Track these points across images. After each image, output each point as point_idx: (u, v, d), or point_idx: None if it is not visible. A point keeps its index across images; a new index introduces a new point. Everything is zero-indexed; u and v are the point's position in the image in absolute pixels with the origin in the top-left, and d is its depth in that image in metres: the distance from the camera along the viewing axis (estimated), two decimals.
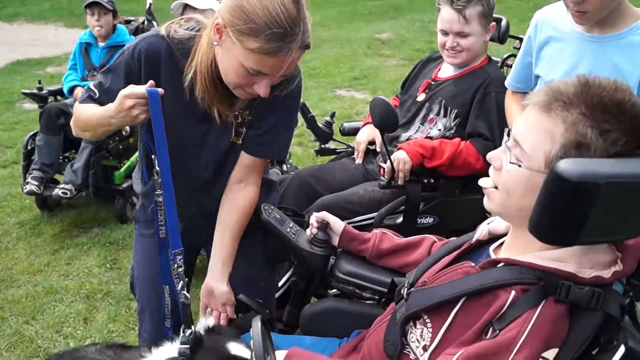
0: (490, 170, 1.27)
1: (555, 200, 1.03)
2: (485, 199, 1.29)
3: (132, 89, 1.56)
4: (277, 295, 2.48)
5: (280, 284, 2.48)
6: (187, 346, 1.49)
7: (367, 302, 1.81)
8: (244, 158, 1.84)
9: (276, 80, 1.59)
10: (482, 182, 1.29)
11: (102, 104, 1.70)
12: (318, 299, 2.17)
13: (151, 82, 1.58)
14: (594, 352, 1.18)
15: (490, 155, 1.27)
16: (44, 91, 4.18)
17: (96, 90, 1.76)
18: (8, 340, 2.86)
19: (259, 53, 1.48)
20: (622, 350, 1.11)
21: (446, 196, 2.47)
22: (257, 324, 1.22)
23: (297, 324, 2.01)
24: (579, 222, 1.03)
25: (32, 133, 4.06)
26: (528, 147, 1.15)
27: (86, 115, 1.74)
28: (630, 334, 1.15)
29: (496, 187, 1.24)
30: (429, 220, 2.47)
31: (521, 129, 1.18)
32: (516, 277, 1.18)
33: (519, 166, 1.16)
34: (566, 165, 1.01)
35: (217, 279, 1.86)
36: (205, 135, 1.79)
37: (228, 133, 1.78)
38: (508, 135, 1.23)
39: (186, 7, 3.02)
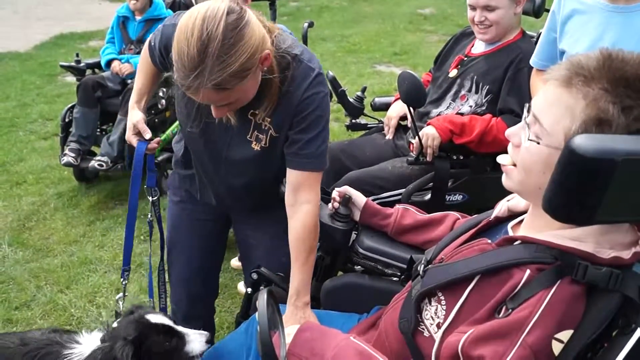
0: (509, 148, 1.23)
1: (570, 178, 0.99)
2: (503, 177, 1.25)
3: (130, 134, 1.97)
4: None
5: None
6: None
7: (389, 278, 1.80)
8: (289, 176, 1.80)
9: (227, 105, 1.60)
10: (501, 159, 1.26)
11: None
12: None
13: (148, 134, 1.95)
14: (613, 334, 1.15)
15: (508, 132, 1.23)
16: (82, 64, 4.22)
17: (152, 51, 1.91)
18: (43, 308, 2.95)
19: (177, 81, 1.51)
20: (638, 333, 1.07)
21: (476, 173, 2.44)
22: (263, 297, 1.20)
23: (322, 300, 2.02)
24: (595, 200, 0.99)
25: (70, 105, 4.12)
26: (547, 124, 1.11)
27: (137, 77, 2.04)
28: None
29: (515, 165, 1.21)
30: (458, 197, 2.44)
31: (541, 105, 1.14)
32: (531, 256, 1.15)
33: (538, 143, 1.12)
34: (582, 141, 0.97)
35: (291, 302, 1.78)
36: (217, 126, 1.79)
37: (245, 132, 1.77)
38: (528, 111, 1.19)
39: None
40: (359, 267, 2.04)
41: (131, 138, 1.99)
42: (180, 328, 1.75)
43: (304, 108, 1.70)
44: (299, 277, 1.76)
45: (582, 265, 1.10)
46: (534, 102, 1.16)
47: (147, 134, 1.96)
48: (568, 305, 1.10)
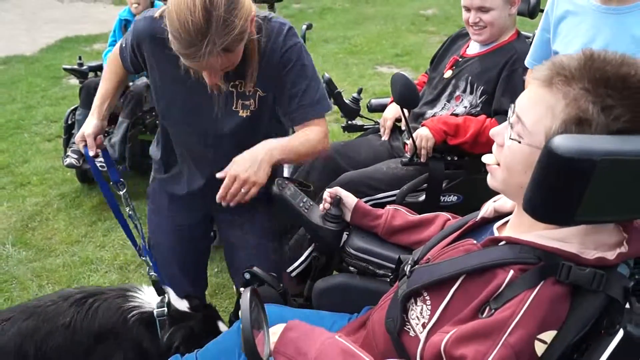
0: (494, 147, 1.24)
1: (550, 178, 1.00)
2: (488, 177, 1.26)
3: (79, 140, 2.00)
4: (298, 270, 2.52)
5: (301, 259, 2.50)
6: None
7: (380, 279, 1.81)
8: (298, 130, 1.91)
9: (223, 69, 1.67)
10: (485, 159, 1.26)
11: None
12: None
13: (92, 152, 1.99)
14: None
15: (492, 132, 1.23)
16: (84, 67, 4.25)
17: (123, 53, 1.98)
18: None
19: (176, 52, 1.59)
20: (620, 334, 1.07)
21: (471, 174, 2.44)
22: (245, 296, 1.20)
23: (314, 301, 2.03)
24: (574, 200, 0.99)
25: (72, 108, 4.15)
26: (529, 123, 1.11)
27: (102, 81, 2.08)
28: (630, 318, 1.10)
29: (498, 164, 1.21)
30: (453, 198, 2.44)
31: (523, 105, 1.15)
32: (515, 257, 1.15)
33: (519, 142, 1.13)
34: (561, 141, 0.97)
35: None
36: (202, 105, 1.84)
37: (229, 104, 1.83)
38: (513, 111, 1.19)
39: None
40: (353, 267, 2.06)
41: (80, 145, 2.03)
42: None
43: (287, 61, 1.79)
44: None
45: (565, 265, 1.10)
46: (518, 102, 1.17)
47: (92, 152, 2.01)
48: (551, 305, 1.10)
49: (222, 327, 1.97)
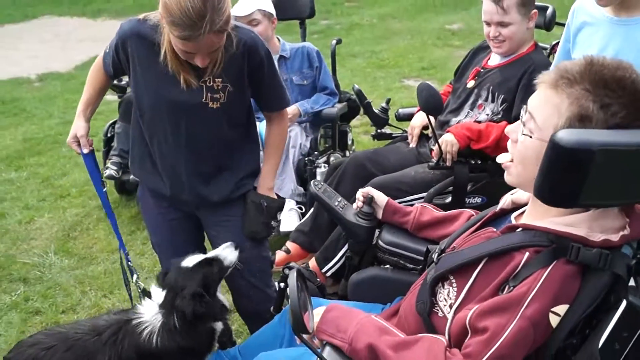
0: (508, 144, 1.39)
1: (555, 166, 1.16)
2: (505, 175, 1.41)
3: (71, 140, 2.29)
4: (333, 270, 2.67)
5: (335, 259, 2.66)
6: None
7: (410, 271, 1.94)
8: (268, 119, 2.31)
9: (209, 53, 1.91)
10: (500, 158, 1.42)
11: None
12: None
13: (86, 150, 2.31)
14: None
15: (508, 129, 1.39)
16: (123, 82, 4.28)
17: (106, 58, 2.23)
18: (87, 312, 3.08)
19: (179, 38, 1.82)
20: (623, 304, 1.22)
21: (494, 177, 2.57)
22: (292, 277, 1.34)
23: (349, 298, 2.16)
24: (577, 186, 1.15)
25: (112, 121, 4.26)
26: (540, 121, 1.27)
27: (85, 88, 2.32)
28: (634, 291, 1.25)
29: (512, 161, 1.37)
30: (477, 200, 2.58)
31: (534, 104, 1.30)
32: (530, 240, 1.30)
33: (531, 137, 1.29)
34: (563, 135, 1.13)
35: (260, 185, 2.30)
36: (179, 99, 2.06)
37: (199, 97, 2.05)
38: (525, 111, 1.35)
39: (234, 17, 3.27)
40: (386, 262, 2.20)
41: (72, 145, 2.31)
42: (211, 253, 2.10)
43: (252, 51, 2.06)
44: (266, 168, 2.30)
45: (575, 247, 1.25)
46: (530, 102, 1.33)
47: (86, 149, 2.31)
48: (563, 282, 1.24)
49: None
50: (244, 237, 2.26)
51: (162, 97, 2.07)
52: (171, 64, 1.98)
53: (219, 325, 2.12)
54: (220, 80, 2.04)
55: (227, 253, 2.09)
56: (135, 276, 2.44)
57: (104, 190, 2.48)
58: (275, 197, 2.32)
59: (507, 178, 1.40)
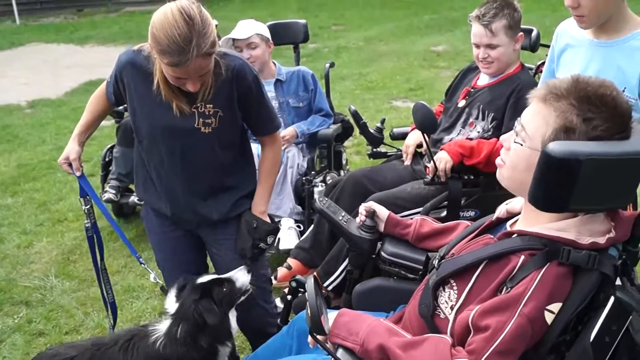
0: (502, 151, 1.52)
1: (547, 174, 1.29)
2: (497, 172, 1.54)
3: (63, 161, 2.37)
4: (334, 284, 2.76)
5: (336, 274, 2.76)
6: None
7: (412, 281, 2.03)
8: (261, 143, 2.38)
9: (199, 77, 1.99)
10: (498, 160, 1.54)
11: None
12: None
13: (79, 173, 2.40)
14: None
15: (502, 138, 1.53)
16: (120, 107, 4.42)
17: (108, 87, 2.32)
18: (91, 332, 3.10)
19: (169, 65, 1.91)
20: (611, 300, 1.34)
21: (486, 191, 2.69)
22: (310, 283, 1.45)
23: (352, 309, 2.25)
24: (567, 192, 1.28)
25: (109, 146, 4.31)
26: (530, 131, 1.40)
27: (84, 113, 2.43)
28: (621, 289, 1.37)
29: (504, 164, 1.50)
30: (471, 213, 2.69)
31: (526, 116, 1.44)
32: (525, 244, 1.42)
33: (521, 145, 1.41)
34: (554, 146, 1.27)
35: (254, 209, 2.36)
36: (173, 125, 2.15)
37: (191, 122, 2.14)
38: (519, 122, 1.48)
39: (234, 40, 3.42)
40: (388, 273, 2.29)
41: (63, 165, 2.39)
42: (224, 275, 2.19)
43: (241, 77, 2.14)
44: (259, 192, 2.36)
45: (566, 249, 1.36)
46: (523, 114, 1.46)
47: (78, 172, 2.40)
48: (556, 282, 1.36)
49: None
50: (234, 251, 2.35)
51: (157, 124, 2.16)
52: (164, 93, 2.07)
53: (225, 351, 2.19)
54: (211, 105, 2.13)
55: (240, 276, 2.18)
56: (152, 274, 2.52)
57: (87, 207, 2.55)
58: (269, 221, 2.38)
59: (499, 176, 1.53)
